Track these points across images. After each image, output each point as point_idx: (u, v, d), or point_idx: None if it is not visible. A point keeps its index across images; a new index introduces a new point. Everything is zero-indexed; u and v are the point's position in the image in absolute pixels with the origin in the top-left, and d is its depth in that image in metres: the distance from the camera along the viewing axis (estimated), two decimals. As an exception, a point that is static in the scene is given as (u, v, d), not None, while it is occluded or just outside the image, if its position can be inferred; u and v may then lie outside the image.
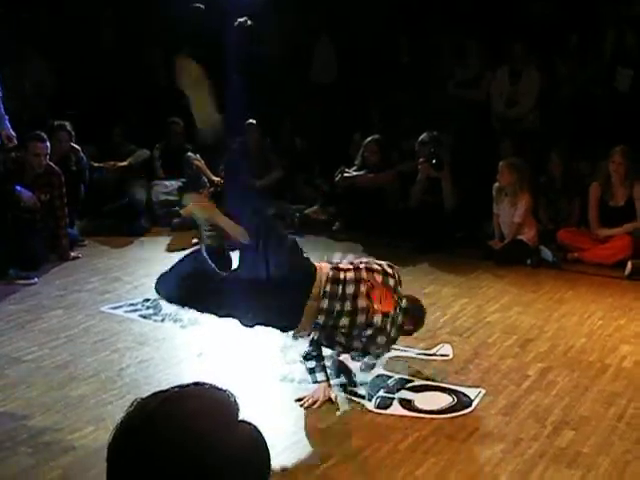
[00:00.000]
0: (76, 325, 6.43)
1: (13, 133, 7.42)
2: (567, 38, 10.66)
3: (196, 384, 1.57)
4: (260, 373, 5.48)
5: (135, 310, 6.83)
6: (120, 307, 6.90)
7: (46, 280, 7.72)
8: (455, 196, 9.33)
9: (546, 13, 10.95)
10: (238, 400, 1.55)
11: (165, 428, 1.45)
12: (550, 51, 10.77)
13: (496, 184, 8.99)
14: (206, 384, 1.57)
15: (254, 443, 1.53)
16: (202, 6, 11.66)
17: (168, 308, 6.81)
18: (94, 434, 4.54)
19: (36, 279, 7.62)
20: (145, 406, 1.50)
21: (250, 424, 1.54)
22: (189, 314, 6.65)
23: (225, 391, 1.56)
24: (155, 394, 1.53)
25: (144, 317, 6.67)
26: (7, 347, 5.93)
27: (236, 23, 9.32)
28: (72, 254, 8.46)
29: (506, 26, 10.87)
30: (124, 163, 10.13)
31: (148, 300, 7.01)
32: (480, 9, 11.09)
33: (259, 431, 1.55)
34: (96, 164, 9.82)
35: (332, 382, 5.31)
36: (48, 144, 8.19)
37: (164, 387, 1.58)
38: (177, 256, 8.41)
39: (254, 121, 10.79)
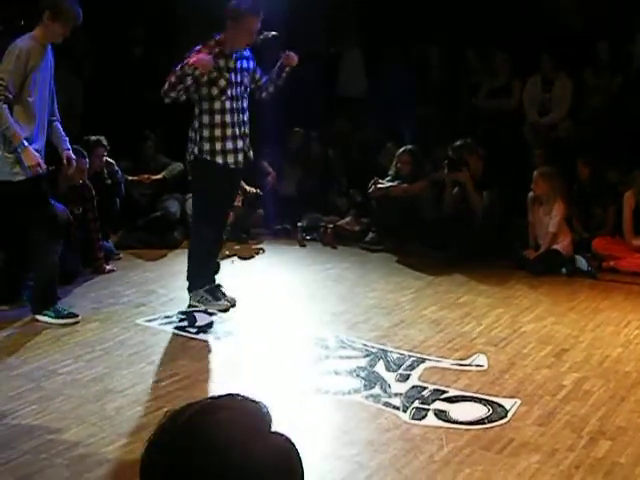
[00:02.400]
0: (111, 338, 6.46)
1: (73, 156, 7.36)
2: (596, 47, 10.63)
3: (229, 395, 1.57)
4: (294, 385, 5.49)
5: (170, 322, 6.85)
6: (155, 319, 6.93)
7: (81, 293, 7.76)
8: (481, 201, 9.30)
9: (574, 22, 10.95)
10: (271, 411, 1.56)
11: (195, 440, 1.46)
12: (580, 60, 10.75)
13: (530, 193, 8.95)
14: (239, 395, 1.57)
15: (287, 454, 1.53)
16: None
17: (202, 320, 6.86)
18: (129, 447, 4.55)
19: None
20: (177, 418, 1.51)
21: (283, 435, 1.54)
22: (223, 326, 6.71)
23: (258, 402, 1.56)
24: (188, 405, 1.54)
25: (179, 329, 6.69)
26: (43, 360, 5.96)
27: (261, 36, 9.35)
28: (107, 267, 8.50)
29: (534, 35, 10.86)
30: (158, 177, 10.17)
31: (183, 312, 7.05)
32: (507, 19, 11.09)
33: (292, 442, 1.55)
34: (131, 178, 9.87)
35: (366, 393, 5.33)
36: (87, 160, 8.23)
37: (198, 399, 1.58)
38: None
39: (299, 129, 10.93)
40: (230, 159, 7.10)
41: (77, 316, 6.89)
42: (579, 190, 9.41)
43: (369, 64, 12.33)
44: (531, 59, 10.82)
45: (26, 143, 6.52)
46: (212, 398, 1.56)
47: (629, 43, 10.65)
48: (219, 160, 7.05)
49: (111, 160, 9.23)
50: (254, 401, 1.56)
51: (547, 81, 10.71)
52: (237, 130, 7.14)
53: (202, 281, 7.32)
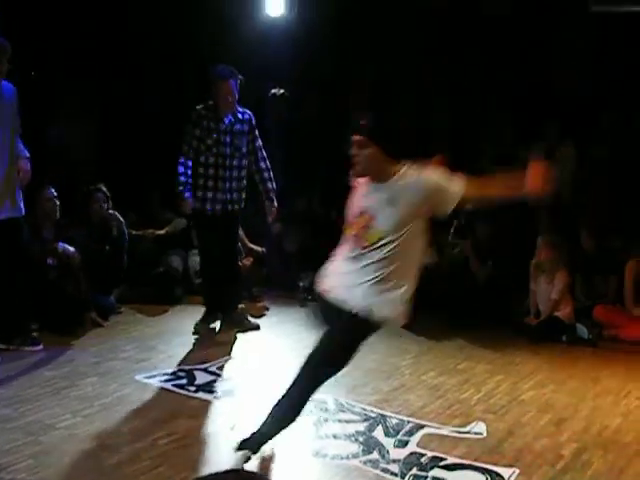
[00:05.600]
0: (110, 393, 6.45)
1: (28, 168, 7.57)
2: (600, 116, 10.71)
3: (234, 471, 1.58)
4: (293, 448, 5.44)
5: (169, 380, 6.84)
6: (154, 376, 6.92)
7: (82, 347, 7.79)
8: (483, 269, 9.35)
9: (578, 92, 11.03)
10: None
11: None
12: (584, 129, 10.82)
13: (534, 260, 8.98)
14: (241, 471, 1.58)
15: None
16: (241, 77, 11.80)
17: (202, 378, 6.86)
18: (126, 505, 4.53)
19: (41, 346, 7.67)
20: None
21: None
22: (223, 385, 6.69)
23: (263, 477, 1.57)
24: None
25: (178, 387, 6.68)
26: (41, 413, 5.95)
27: (270, 93, 9.51)
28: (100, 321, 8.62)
29: (539, 103, 10.95)
30: (162, 232, 10.21)
31: (183, 370, 7.05)
32: (512, 86, 11.20)
33: None
34: (134, 232, 9.91)
35: (364, 458, 5.29)
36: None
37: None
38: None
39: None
40: (208, 206, 8.24)
41: None
42: (582, 258, 9.43)
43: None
44: (535, 126, 10.89)
45: None
46: (215, 475, 1.57)
47: (632, 115, 10.74)
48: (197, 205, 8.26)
49: (116, 213, 9.34)
50: (256, 475, 1.57)
51: (550, 149, 10.75)
52: (220, 183, 8.21)
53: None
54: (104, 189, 9.29)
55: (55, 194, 8.68)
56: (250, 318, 8.86)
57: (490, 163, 11.29)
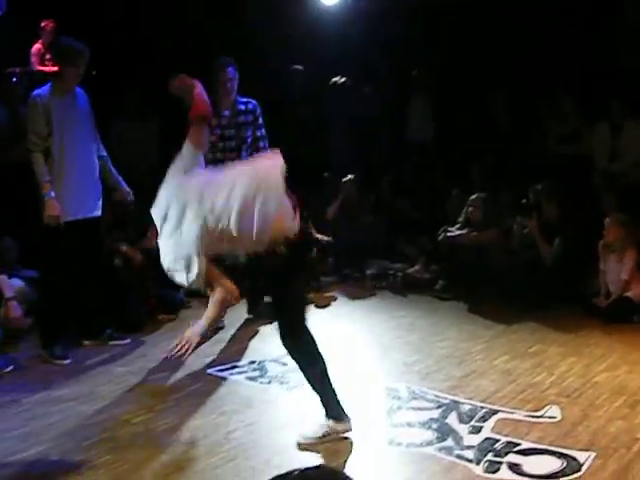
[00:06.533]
0: (183, 388, 6.51)
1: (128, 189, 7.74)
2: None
3: (317, 468, 1.58)
4: (367, 437, 5.45)
5: (241, 372, 6.88)
6: (226, 369, 6.97)
7: (152, 342, 7.85)
8: (550, 248, 9.28)
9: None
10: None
11: None
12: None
13: (602, 241, 8.88)
14: (325, 468, 1.58)
15: None
16: (301, 67, 11.81)
17: (274, 370, 6.88)
18: (203, 499, 4.57)
19: (128, 340, 7.90)
20: None
21: None
22: (295, 376, 6.70)
23: (343, 474, 1.57)
24: (277, 478, 1.55)
25: (250, 379, 6.71)
26: (116, 409, 6.03)
27: (331, 82, 9.31)
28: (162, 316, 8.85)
29: (602, 81, 10.83)
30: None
31: (254, 362, 7.09)
32: (575, 64, 11.10)
33: None
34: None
35: (439, 445, 5.28)
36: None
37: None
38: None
39: (352, 177, 10.89)
40: None
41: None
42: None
43: (437, 109, 12.39)
44: (599, 104, 10.78)
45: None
46: (300, 470, 1.57)
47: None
48: None
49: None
50: (340, 473, 1.57)
51: (616, 127, 10.63)
52: None
53: None
54: None
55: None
56: None
57: (555, 142, 11.22)
